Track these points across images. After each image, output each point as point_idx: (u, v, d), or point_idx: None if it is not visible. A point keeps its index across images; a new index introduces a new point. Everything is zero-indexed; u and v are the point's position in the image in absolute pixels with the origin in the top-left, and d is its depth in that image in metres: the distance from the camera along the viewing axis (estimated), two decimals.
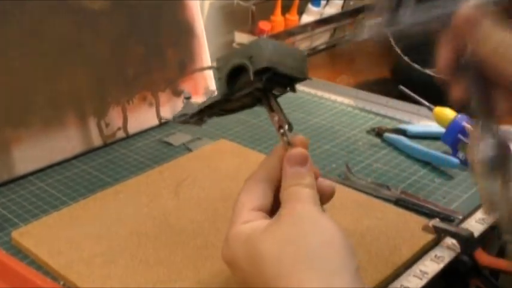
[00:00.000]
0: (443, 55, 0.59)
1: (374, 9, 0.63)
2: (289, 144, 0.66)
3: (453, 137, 1.06)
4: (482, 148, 0.57)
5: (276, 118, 0.68)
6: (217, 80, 0.69)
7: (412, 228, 0.87)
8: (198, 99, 1.29)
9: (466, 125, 1.05)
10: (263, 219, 0.63)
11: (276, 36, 1.65)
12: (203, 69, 1.32)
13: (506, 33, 0.53)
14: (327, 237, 0.58)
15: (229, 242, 0.62)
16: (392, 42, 1.48)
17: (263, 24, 1.63)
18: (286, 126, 0.67)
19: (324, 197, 0.67)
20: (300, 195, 0.63)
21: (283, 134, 0.67)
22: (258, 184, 0.65)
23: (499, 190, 0.57)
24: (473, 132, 0.58)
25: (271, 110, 0.69)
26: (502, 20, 0.53)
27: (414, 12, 0.61)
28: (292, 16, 1.75)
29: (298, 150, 0.66)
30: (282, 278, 0.55)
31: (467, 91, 0.58)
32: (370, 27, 0.64)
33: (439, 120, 1.09)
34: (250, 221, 0.62)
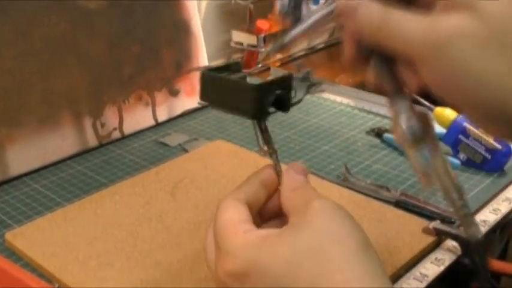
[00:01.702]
0: (346, 46, 0.59)
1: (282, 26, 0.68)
2: (278, 171, 0.64)
3: (454, 138, 1.06)
4: (402, 122, 0.58)
5: (266, 148, 0.67)
6: None
7: (412, 230, 0.87)
8: (196, 100, 1.29)
9: (468, 125, 1.05)
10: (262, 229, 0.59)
11: (275, 35, 1.65)
12: (200, 68, 1.32)
13: (381, 10, 0.54)
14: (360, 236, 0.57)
15: (238, 253, 0.56)
16: None
17: (261, 23, 1.63)
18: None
19: None
20: (311, 194, 0.61)
21: (274, 161, 0.65)
22: (237, 202, 0.60)
23: (430, 159, 0.58)
24: (392, 110, 0.59)
25: (264, 140, 0.68)
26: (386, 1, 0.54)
27: (313, 16, 0.64)
28: None
29: (299, 164, 0.65)
30: (326, 276, 0.52)
31: (376, 74, 0.60)
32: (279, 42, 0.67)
33: (440, 121, 1.09)
34: (251, 230, 0.58)
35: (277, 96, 0.63)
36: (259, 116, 0.65)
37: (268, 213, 0.64)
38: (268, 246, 0.55)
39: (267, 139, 0.66)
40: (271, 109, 0.65)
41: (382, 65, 0.59)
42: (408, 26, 0.52)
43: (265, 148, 0.66)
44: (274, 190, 0.63)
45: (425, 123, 0.59)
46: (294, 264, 0.53)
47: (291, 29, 0.64)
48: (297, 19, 0.63)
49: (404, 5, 0.54)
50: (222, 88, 0.66)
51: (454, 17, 0.50)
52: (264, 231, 0.57)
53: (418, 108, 0.59)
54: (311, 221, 0.56)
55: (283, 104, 0.65)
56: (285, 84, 0.65)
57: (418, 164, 0.58)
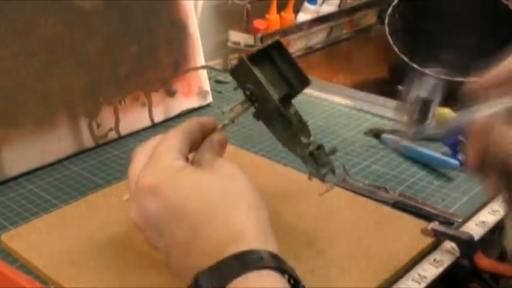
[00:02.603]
0: (471, 156, 0.64)
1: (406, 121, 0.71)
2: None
3: (453, 138, 1.07)
4: None
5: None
6: None
7: (411, 232, 0.87)
8: (192, 100, 1.29)
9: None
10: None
11: (272, 35, 1.65)
12: (197, 68, 1.32)
13: None
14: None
15: (157, 170, 0.67)
16: (390, 42, 1.48)
17: (258, 23, 1.63)
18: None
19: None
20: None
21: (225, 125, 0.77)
22: (184, 135, 0.72)
23: None
24: (507, 221, 0.66)
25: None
26: None
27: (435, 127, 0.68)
28: (288, 14, 1.75)
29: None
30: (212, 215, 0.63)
31: (497, 184, 0.63)
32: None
33: (439, 121, 1.10)
34: (179, 159, 0.68)
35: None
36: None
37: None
38: (183, 175, 0.66)
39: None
40: None
41: (504, 178, 0.61)
42: None
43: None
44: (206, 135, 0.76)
45: None
46: (192, 198, 0.64)
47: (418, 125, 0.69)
48: (421, 121, 0.68)
49: None
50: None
51: None
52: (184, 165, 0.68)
53: None
54: (218, 168, 0.68)
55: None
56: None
57: None
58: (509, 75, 0.62)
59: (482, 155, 0.62)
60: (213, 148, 0.74)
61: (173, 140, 0.71)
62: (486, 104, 0.61)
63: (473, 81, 0.64)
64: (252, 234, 0.62)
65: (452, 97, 0.72)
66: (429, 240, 0.85)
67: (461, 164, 1.04)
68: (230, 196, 0.65)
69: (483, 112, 0.60)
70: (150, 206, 0.65)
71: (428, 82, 0.65)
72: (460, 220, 0.92)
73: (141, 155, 0.71)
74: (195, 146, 0.74)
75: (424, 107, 0.64)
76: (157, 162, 0.68)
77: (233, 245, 0.60)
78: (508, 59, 0.63)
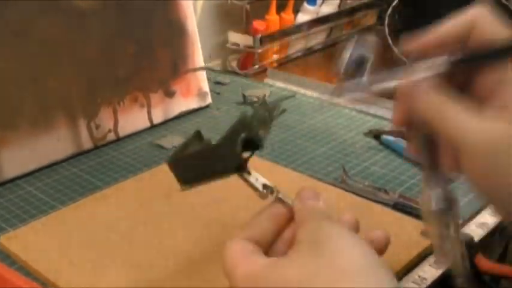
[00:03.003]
0: (396, 111, 0.64)
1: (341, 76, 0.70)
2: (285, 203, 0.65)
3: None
4: (432, 198, 0.63)
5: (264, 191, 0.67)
6: None
7: (410, 233, 0.87)
8: (191, 101, 1.29)
9: None
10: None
11: (271, 36, 1.65)
12: (196, 69, 1.32)
13: (442, 101, 0.58)
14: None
15: (241, 284, 0.57)
16: (390, 42, 1.48)
17: (258, 24, 1.63)
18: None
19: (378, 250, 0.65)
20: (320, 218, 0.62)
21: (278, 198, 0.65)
22: (243, 241, 0.60)
23: (450, 237, 0.62)
24: (424, 183, 0.64)
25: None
26: (444, 89, 0.58)
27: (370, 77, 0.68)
28: (288, 15, 1.75)
29: (308, 188, 0.65)
30: None
31: (417, 145, 0.64)
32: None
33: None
34: (257, 259, 0.58)
35: (244, 139, 0.65)
36: (238, 167, 0.67)
37: (282, 247, 0.62)
38: (276, 270, 0.55)
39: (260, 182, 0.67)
40: (246, 154, 0.66)
41: (424, 141, 0.63)
42: (462, 124, 0.56)
43: (264, 191, 0.67)
44: (283, 224, 0.63)
45: (452, 203, 0.63)
46: (305, 282, 0.53)
47: (352, 82, 0.67)
48: (357, 75, 0.66)
49: (458, 92, 0.59)
50: (195, 163, 0.69)
51: (507, 123, 0.55)
52: (269, 259, 0.58)
53: (450, 186, 0.64)
54: (320, 241, 0.56)
55: (255, 143, 0.67)
56: (246, 126, 0.66)
57: (435, 238, 0.63)
58: (441, 40, 0.62)
59: (406, 116, 0.62)
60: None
61: (241, 260, 0.59)
62: (417, 65, 0.62)
63: (409, 40, 0.65)
64: None
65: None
66: (429, 241, 0.85)
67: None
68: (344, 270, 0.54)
69: (412, 73, 0.61)
70: None
71: (363, 42, 0.66)
72: (460, 221, 0.92)
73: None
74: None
75: (359, 64, 0.64)
76: (231, 281, 0.58)
77: None
78: (442, 24, 0.63)
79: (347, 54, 0.64)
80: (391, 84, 0.63)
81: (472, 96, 0.59)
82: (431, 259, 0.84)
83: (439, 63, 0.60)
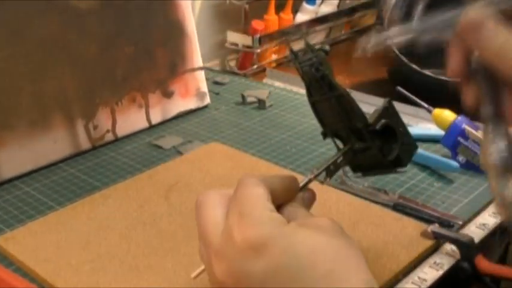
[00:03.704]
0: (453, 60, 0.60)
1: (383, 23, 0.66)
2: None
3: (453, 140, 1.07)
4: (494, 150, 0.59)
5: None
6: None
7: (410, 234, 0.87)
8: (190, 101, 1.29)
9: (467, 127, 1.05)
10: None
11: (270, 36, 1.65)
12: (194, 69, 1.32)
13: (507, 33, 0.55)
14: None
15: (267, 223, 0.57)
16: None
17: (256, 24, 1.63)
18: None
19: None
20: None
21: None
22: (264, 184, 0.62)
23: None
24: (485, 135, 0.60)
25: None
26: (506, 22, 0.55)
27: (422, 21, 0.62)
28: (287, 15, 1.75)
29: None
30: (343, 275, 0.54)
31: (478, 95, 0.60)
32: (379, 39, 0.66)
33: (439, 123, 1.10)
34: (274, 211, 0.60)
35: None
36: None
37: None
38: (292, 231, 0.56)
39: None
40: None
41: (488, 87, 0.59)
42: None
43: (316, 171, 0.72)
44: (291, 196, 0.65)
45: None
46: (317, 253, 0.55)
47: (399, 26, 0.64)
48: (406, 17, 0.64)
49: None
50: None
51: None
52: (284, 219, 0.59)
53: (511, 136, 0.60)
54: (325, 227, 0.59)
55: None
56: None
57: (500, 195, 0.59)
58: None
59: (466, 58, 0.59)
60: (304, 205, 0.66)
61: (258, 188, 0.61)
62: (476, 2, 0.58)
63: None
64: None
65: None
66: (429, 242, 0.85)
67: (462, 166, 1.05)
68: (350, 260, 0.56)
69: (473, 9, 0.57)
70: (254, 268, 0.55)
71: None
72: (460, 222, 0.92)
73: (213, 203, 0.62)
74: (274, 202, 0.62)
75: (409, 2, 0.62)
76: (252, 212, 0.58)
77: None
78: None
79: (494, 153, 0.61)
80: (450, 20, 0.59)
81: None
82: (431, 260, 0.84)
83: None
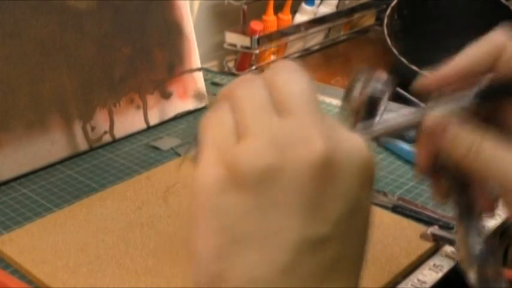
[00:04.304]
0: (420, 157, 0.60)
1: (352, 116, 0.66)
2: None
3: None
4: (470, 247, 0.59)
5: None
6: None
7: (410, 236, 0.87)
8: (188, 102, 1.29)
9: None
10: None
11: (269, 37, 1.65)
12: (192, 70, 1.32)
13: (472, 135, 0.55)
14: None
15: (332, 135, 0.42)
16: (389, 43, 1.49)
17: (255, 24, 1.63)
18: None
19: None
20: None
21: None
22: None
23: (492, 280, 0.59)
24: (459, 231, 0.60)
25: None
26: (472, 124, 0.55)
27: (387, 122, 0.62)
28: (285, 15, 1.75)
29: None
30: None
31: (446, 189, 0.61)
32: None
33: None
34: None
35: None
36: None
37: None
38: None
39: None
40: None
41: (456, 184, 0.60)
42: (502, 161, 0.53)
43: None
44: None
45: (491, 249, 0.59)
46: None
47: (365, 123, 0.63)
48: (369, 115, 0.62)
49: (484, 124, 0.55)
50: None
51: None
52: None
53: (486, 230, 0.61)
54: None
55: None
56: None
57: (477, 282, 0.59)
58: (464, 71, 0.58)
59: (433, 157, 0.59)
60: None
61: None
62: (438, 102, 0.58)
63: (426, 76, 0.61)
64: None
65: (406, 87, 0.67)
66: (429, 244, 0.85)
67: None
68: None
69: (435, 111, 0.57)
70: None
71: (376, 78, 0.62)
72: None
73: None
74: None
75: (371, 104, 0.61)
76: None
77: None
78: (464, 54, 0.59)
79: (357, 92, 0.61)
80: (412, 121, 0.59)
81: (500, 127, 0.56)
82: (430, 262, 0.84)
83: (465, 96, 0.56)
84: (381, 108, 0.63)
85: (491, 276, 0.58)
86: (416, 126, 0.58)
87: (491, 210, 0.60)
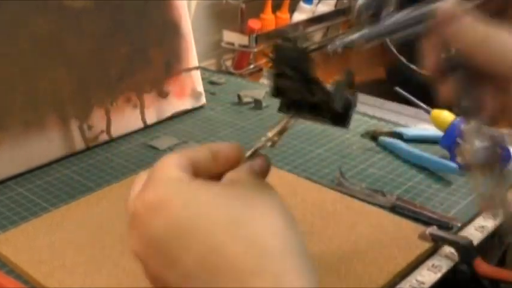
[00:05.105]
0: (428, 55, 0.59)
1: (355, 21, 0.64)
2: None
3: (451, 141, 1.07)
4: (475, 144, 0.58)
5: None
6: None
7: (408, 236, 0.87)
8: (185, 102, 1.29)
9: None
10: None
11: (267, 35, 1.65)
12: (190, 69, 1.32)
13: (486, 26, 0.54)
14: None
15: (159, 184, 0.56)
16: (388, 42, 1.49)
17: (253, 23, 1.64)
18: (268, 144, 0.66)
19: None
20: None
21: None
22: (180, 156, 0.59)
23: (495, 188, 0.58)
24: (466, 132, 0.59)
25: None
26: (481, 14, 0.54)
27: (391, 19, 0.62)
28: (283, 14, 1.76)
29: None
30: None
31: (456, 90, 0.60)
32: (344, 41, 0.65)
33: (437, 124, 1.10)
34: (187, 175, 0.57)
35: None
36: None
37: None
38: (195, 188, 0.55)
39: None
40: None
41: (467, 82, 0.58)
42: None
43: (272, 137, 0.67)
44: (224, 164, 0.61)
45: (497, 150, 0.58)
46: (208, 215, 0.53)
47: (366, 28, 0.63)
48: (373, 19, 0.61)
49: (497, 21, 0.54)
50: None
51: None
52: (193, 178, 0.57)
53: (492, 132, 0.59)
54: (241, 182, 0.57)
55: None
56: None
57: (479, 189, 0.59)
58: None
59: (442, 51, 0.58)
60: (252, 171, 0.60)
61: (172, 157, 0.59)
62: None
63: None
64: (284, 264, 0.51)
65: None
66: (427, 245, 0.85)
67: (460, 167, 1.04)
68: (256, 209, 0.54)
69: (448, 3, 0.56)
70: (155, 226, 0.54)
71: None
72: (459, 225, 0.92)
73: (139, 181, 0.60)
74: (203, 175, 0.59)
75: (377, 7, 0.60)
76: (158, 176, 0.57)
77: (258, 279, 0.50)
78: None
79: (474, 147, 0.59)
80: (421, 14, 0.58)
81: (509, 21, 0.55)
82: (429, 263, 0.84)
83: None
84: (384, 12, 0.61)
85: (492, 175, 0.58)
86: (425, 20, 0.57)
87: (498, 112, 0.59)
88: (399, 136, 1.17)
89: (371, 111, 1.32)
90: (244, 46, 1.62)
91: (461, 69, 0.58)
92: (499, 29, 0.54)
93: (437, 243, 0.86)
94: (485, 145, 0.58)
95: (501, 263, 0.95)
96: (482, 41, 0.54)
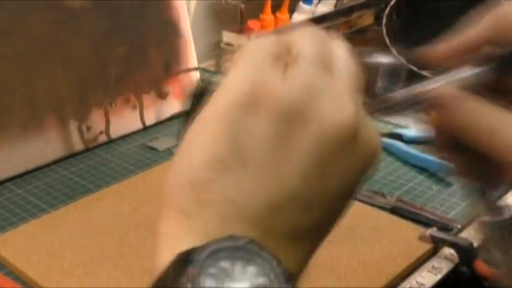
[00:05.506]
0: (436, 135, 0.59)
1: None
2: None
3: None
4: (492, 223, 0.58)
5: None
6: None
7: (408, 238, 0.87)
8: (184, 102, 1.29)
9: None
10: None
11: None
12: (189, 70, 1.32)
13: (491, 111, 0.52)
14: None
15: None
16: (388, 42, 1.49)
17: (252, 23, 1.64)
18: None
19: None
20: None
21: None
22: None
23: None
24: (479, 207, 0.59)
25: None
26: (486, 97, 0.52)
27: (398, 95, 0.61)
28: (283, 15, 1.75)
29: None
30: None
31: (464, 166, 0.59)
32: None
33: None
34: None
35: None
36: None
37: None
38: None
39: None
40: None
41: (474, 161, 0.57)
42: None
43: None
44: None
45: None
46: None
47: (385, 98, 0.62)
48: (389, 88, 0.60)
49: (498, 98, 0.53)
50: None
51: None
52: None
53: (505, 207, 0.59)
54: None
55: None
56: None
57: (499, 261, 0.58)
58: (472, 43, 0.56)
59: (449, 134, 0.55)
60: None
61: None
62: (447, 75, 0.55)
63: (433, 47, 0.59)
64: None
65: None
66: (427, 246, 0.85)
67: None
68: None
69: (447, 83, 0.54)
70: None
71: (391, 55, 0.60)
72: (459, 226, 0.92)
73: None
74: None
75: (393, 73, 0.58)
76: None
77: None
78: (471, 26, 0.57)
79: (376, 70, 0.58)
80: (422, 94, 0.56)
81: (505, 97, 0.54)
82: (429, 264, 0.84)
83: (476, 69, 0.54)
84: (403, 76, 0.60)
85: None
86: (426, 100, 0.56)
87: (497, 182, 0.58)
88: (399, 137, 1.17)
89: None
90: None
91: (467, 149, 0.56)
92: (505, 113, 0.52)
93: (437, 245, 0.86)
94: (500, 218, 0.58)
95: None
96: (487, 129, 0.52)
